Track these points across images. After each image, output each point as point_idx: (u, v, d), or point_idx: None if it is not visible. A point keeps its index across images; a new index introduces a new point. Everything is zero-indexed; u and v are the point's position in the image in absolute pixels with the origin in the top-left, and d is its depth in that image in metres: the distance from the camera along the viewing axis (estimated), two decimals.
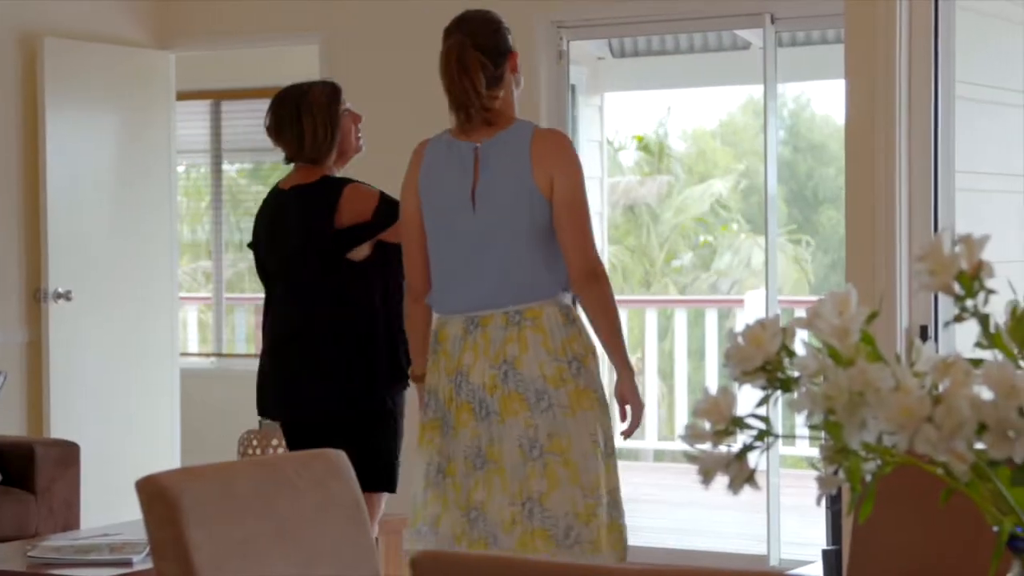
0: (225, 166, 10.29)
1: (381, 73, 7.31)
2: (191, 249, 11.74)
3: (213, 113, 9.80)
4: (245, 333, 10.80)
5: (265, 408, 4.92)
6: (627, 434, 4.19)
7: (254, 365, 10.36)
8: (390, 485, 4.64)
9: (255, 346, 10.70)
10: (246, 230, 11.65)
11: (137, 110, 7.75)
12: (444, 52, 4.29)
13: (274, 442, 7.31)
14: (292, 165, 4.85)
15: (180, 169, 9.46)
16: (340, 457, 2.76)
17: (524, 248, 4.07)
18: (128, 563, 4.52)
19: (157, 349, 7.80)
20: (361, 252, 4.65)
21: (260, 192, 11.73)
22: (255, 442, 7.64)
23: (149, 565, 4.32)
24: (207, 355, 10.10)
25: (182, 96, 8.21)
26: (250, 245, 4.95)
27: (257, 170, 11.31)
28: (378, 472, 4.55)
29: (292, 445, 4.76)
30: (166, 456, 7.67)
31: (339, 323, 4.62)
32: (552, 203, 4.05)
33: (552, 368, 3.98)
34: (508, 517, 3.96)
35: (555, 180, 4.06)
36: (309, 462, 2.77)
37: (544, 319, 4.04)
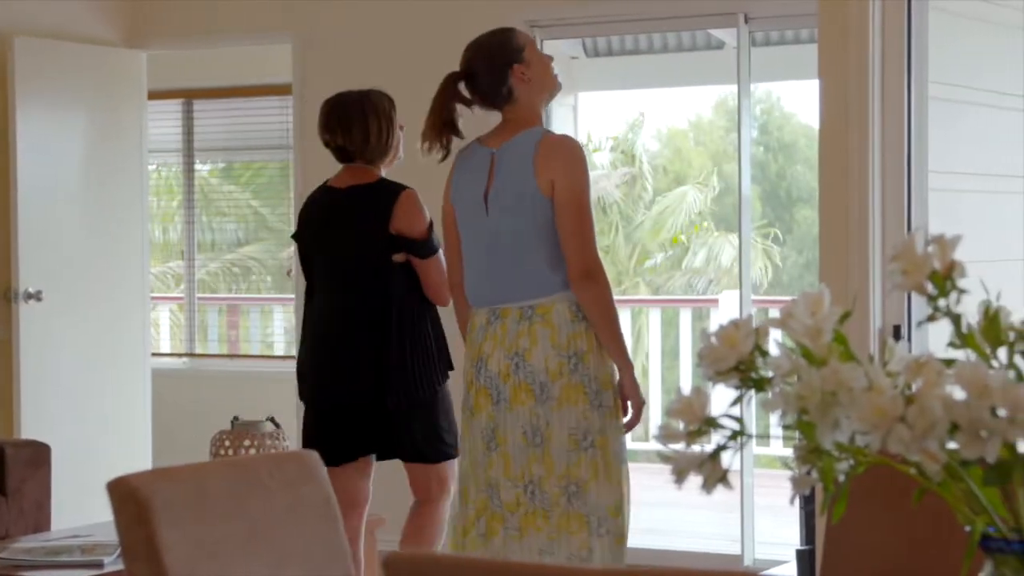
0: (197, 166, 10.25)
1: (354, 73, 7.29)
2: (163, 249, 11.71)
3: (185, 112, 9.77)
4: (217, 334, 10.77)
5: (314, 397, 5.09)
6: (628, 428, 4.38)
7: (226, 366, 10.27)
8: (452, 451, 4.98)
9: (227, 346, 10.67)
10: (218, 230, 11.63)
11: (108, 109, 7.72)
12: (464, 63, 4.61)
13: (246, 443, 7.27)
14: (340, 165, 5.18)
15: (151, 168, 9.43)
16: (312, 457, 2.75)
17: (530, 247, 4.33)
18: (99, 564, 4.50)
19: (129, 350, 7.77)
20: (400, 256, 4.99)
21: (232, 192, 11.73)
22: (227, 443, 7.61)
23: (120, 567, 4.30)
24: (179, 355, 10.07)
25: (153, 95, 8.18)
26: (295, 236, 5.25)
27: (229, 170, 11.27)
28: (436, 447, 4.94)
29: (334, 432, 5.01)
30: (138, 457, 7.64)
31: (387, 318, 4.92)
32: (555, 205, 4.29)
33: (555, 362, 4.25)
34: (513, 498, 4.27)
35: (556, 183, 4.29)
36: (281, 463, 2.76)
37: (553, 315, 4.30)
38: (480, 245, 4.42)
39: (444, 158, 4.54)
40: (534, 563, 3.50)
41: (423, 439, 4.99)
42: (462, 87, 4.56)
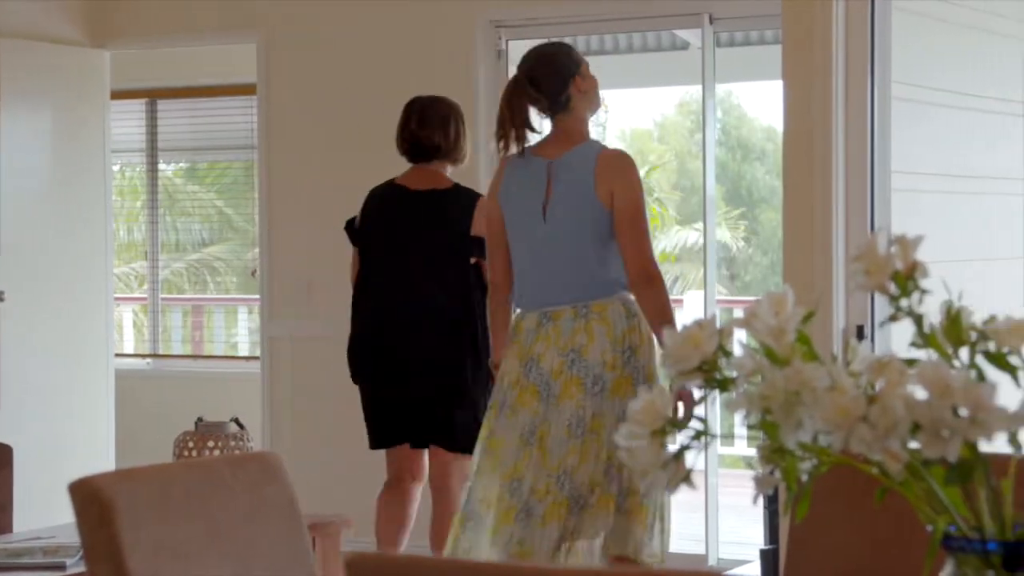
0: (161, 166, 10.21)
1: (319, 72, 7.28)
2: (126, 250, 11.65)
3: (149, 112, 9.73)
4: (181, 335, 10.72)
5: (377, 379, 5.50)
6: (681, 424, 4.33)
7: (190, 367, 10.23)
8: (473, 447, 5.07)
9: (191, 347, 10.63)
10: (183, 230, 11.58)
11: (71, 109, 7.68)
12: (511, 84, 4.87)
13: (210, 443, 7.24)
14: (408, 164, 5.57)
15: (115, 169, 9.39)
16: (275, 459, 2.74)
17: (587, 252, 4.69)
18: (61, 567, 4.47)
19: (92, 350, 7.73)
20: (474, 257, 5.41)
21: (197, 192, 11.68)
22: (191, 444, 7.58)
23: (82, 568, 4.27)
24: (143, 356, 10.03)
25: (117, 95, 8.14)
26: (358, 229, 5.54)
27: (193, 170, 11.23)
28: (474, 438, 4.94)
29: (400, 414, 5.48)
30: (101, 458, 7.60)
31: (470, 313, 5.36)
32: (613, 214, 4.66)
33: (611, 356, 4.57)
34: (543, 487, 4.54)
35: (615, 194, 4.67)
36: (244, 464, 2.75)
37: (609, 312, 4.65)
38: (536, 250, 4.74)
39: (521, 154, 4.80)
40: (492, 563, 3.53)
41: (468, 430, 5.20)
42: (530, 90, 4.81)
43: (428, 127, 5.48)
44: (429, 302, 5.40)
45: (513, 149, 4.77)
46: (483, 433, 4.76)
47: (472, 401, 5.36)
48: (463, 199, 5.44)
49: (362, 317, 5.55)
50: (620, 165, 4.74)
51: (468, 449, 5.05)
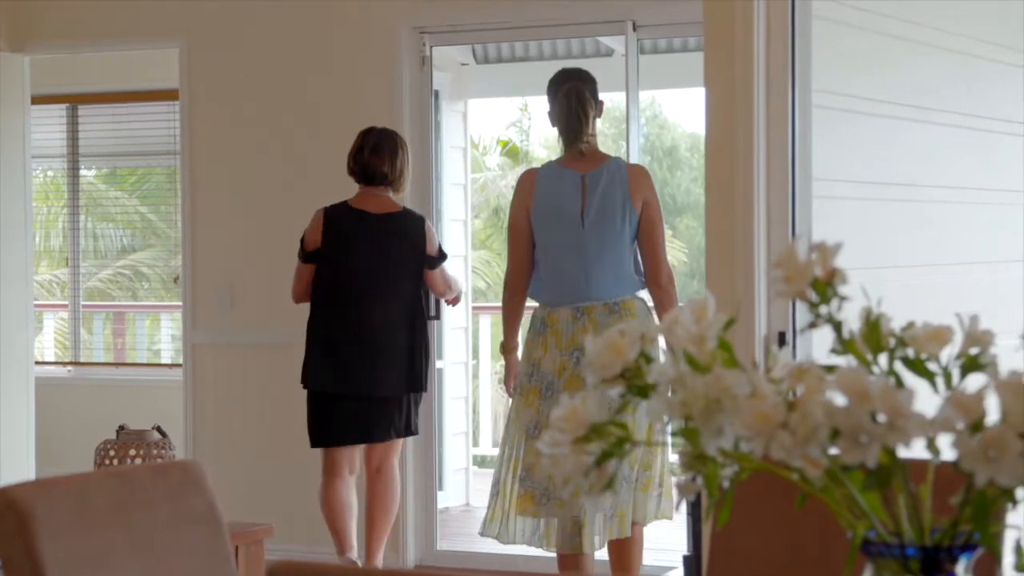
0: (83, 171, 10.12)
1: (242, 78, 7.24)
2: (48, 256, 11.53)
3: (70, 117, 9.64)
4: (103, 342, 10.62)
5: (343, 385, 6.02)
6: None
7: (112, 374, 10.14)
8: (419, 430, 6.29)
9: (113, 355, 10.53)
10: (105, 236, 11.49)
11: None
12: (565, 93, 5.52)
13: (132, 452, 7.17)
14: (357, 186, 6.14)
15: (35, 174, 9.29)
16: (197, 467, 2.72)
17: (619, 254, 5.36)
18: None
19: (12, 358, 7.64)
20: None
21: (119, 197, 11.57)
22: (112, 452, 7.50)
23: None
24: (64, 364, 9.92)
25: (37, 100, 8.06)
26: (317, 249, 6.05)
27: (114, 174, 11.13)
28: (417, 425, 6.19)
29: (361, 413, 6.07)
30: (21, 467, 7.51)
31: (421, 322, 6.09)
32: (640, 221, 5.36)
33: None
34: None
35: (645, 203, 5.38)
36: (165, 472, 2.73)
37: (636, 308, 5.38)
38: (572, 253, 5.35)
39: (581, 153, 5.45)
40: (408, 570, 3.55)
41: (414, 418, 6.17)
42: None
43: (379, 155, 6.06)
44: (391, 312, 6.03)
45: (580, 147, 5.43)
46: (529, 416, 5.39)
47: (420, 392, 6.16)
48: (415, 220, 6.12)
49: (329, 327, 6.04)
50: (647, 178, 5.48)
51: (409, 433, 6.16)
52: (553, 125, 5.61)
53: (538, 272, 5.46)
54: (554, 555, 5.60)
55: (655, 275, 5.38)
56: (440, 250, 6.16)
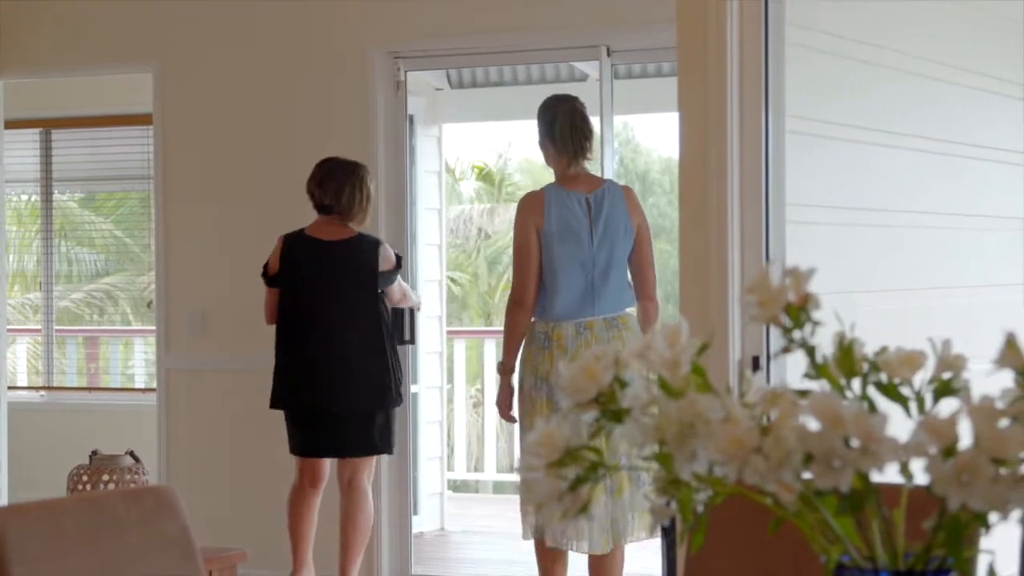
0: (56, 196, 10.09)
1: (216, 102, 7.23)
2: (21, 280, 11.48)
3: (43, 142, 9.62)
4: (76, 366, 10.58)
5: (295, 400, 6.24)
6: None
7: (85, 399, 10.10)
8: (392, 449, 6.44)
9: (86, 379, 10.48)
10: (79, 261, 11.46)
11: None
12: (567, 112, 5.79)
13: (104, 477, 7.14)
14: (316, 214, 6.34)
15: (9, 198, 9.26)
16: (170, 492, 2.71)
17: (620, 271, 5.70)
18: None
19: None
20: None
21: (94, 222, 11.55)
22: (85, 477, 7.47)
23: None
24: (36, 388, 9.88)
25: (11, 124, 8.04)
26: (277, 276, 6.26)
27: (90, 199, 11.10)
28: (390, 441, 6.33)
29: (329, 429, 6.27)
30: None
31: (382, 341, 6.24)
32: (636, 240, 5.71)
33: None
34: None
35: (640, 223, 5.76)
36: (138, 498, 2.72)
37: (631, 322, 5.70)
38: (580, 270, 5.63)
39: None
40: None
41: (386, 436, 6.32)
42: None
43: (323, 188, 6.26)
44: (345, 334, 6.20)
45: (583, 163, 5.74)
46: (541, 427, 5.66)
47: (391, 410, 6.30)
48: (368, 244, 6.28)
49: (290, 350, 6.27)
50: (638, 200, 5.87)
51: (389, 450, 6.34)
52: (548, 148, 5.79)
53: (544, 289, 5.66)
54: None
55: (648, 291, 5.74)
56: (397, 262, 6.33)
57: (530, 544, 5.67)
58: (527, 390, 5.65)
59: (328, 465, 6.41)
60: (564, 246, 5.65)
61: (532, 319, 5.70)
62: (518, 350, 5.74)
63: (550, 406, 5.54)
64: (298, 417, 6.30)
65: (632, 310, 5.76)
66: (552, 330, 5.62)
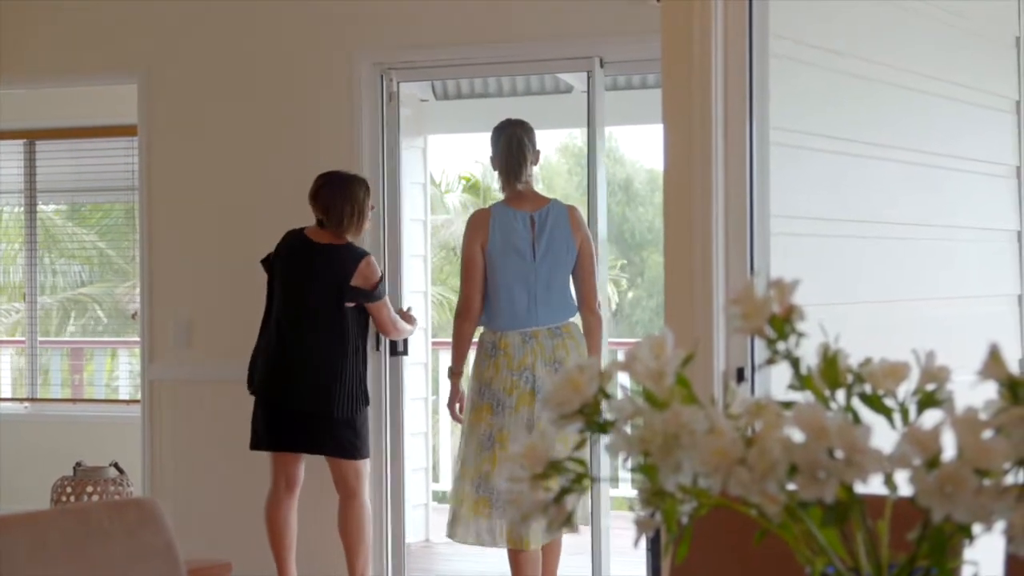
0: (40, 207, 10.07)
1: (201, 113, 7.23)
2: (4, 291, 11.45)
3: (27, 153, 9.60)
4: (60, 378, 10.55)
5: (281, 399, 6.35)
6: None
7: (69, 411, 10.08)
8: (367, 453, 6.48)
9: (70, 391, 10.46)
10: (62, 273, 11.43)
11: None
12: (506, 138, 6.23)
13: (89, 489, 7.13)
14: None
15: None
16: (154, 504, 2.70)
17: (563, 284, 6.13)
18: None
19: None
20: (351, 304, 6.37)
21: (78, 233, 11.52)
22: (69, 489, 7.45)
23: None
24: (20, 400, 9.85)
25: None
26: (267, 264, 6.46)
27: (75, 210, 11.08)
28: (356, 446, 6.39)
29: (294, 428, 6.38)
30: None
31: (343, 349, 6.32)
32: (578, 255, 6.14)
33: None
34: None
35: (582, 240, 6.18)
36: (123, 510, 2.71)
37: (573, 331, 6.14)
38: (524, 283, 6.07)
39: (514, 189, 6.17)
40: None
41: (349, 440, 6.36)
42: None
43: (313, 201, 6.43)
44: (310, 333, 6.32)
45: (518, 187, 6.15)
46: (482, 430, 6.07)
47: (353, 416, 6.35)
48: (353, 254, 6.39)
49: (262, 334, 6.44)
50: (582, 218, 6.27)
51: (356, 456, 6.37)
52: (495, 168, 6.28)
53: (489, 301, 6.13)
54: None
55: (589, 303, 6.17)
56: (376, 286, 6.39)
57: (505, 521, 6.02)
58: (471, 395, 6.15)
59: (301, 468, 6.50)
60: (507, 261, 6.11)
61: (481, 329, 6.19)
62: (465, 356, 6.26)
63: (490, 410, 6.01)
64: (259, 403, 6.45)
65: (576, 319, 6.18)
66: (499, 339, 6.09)
